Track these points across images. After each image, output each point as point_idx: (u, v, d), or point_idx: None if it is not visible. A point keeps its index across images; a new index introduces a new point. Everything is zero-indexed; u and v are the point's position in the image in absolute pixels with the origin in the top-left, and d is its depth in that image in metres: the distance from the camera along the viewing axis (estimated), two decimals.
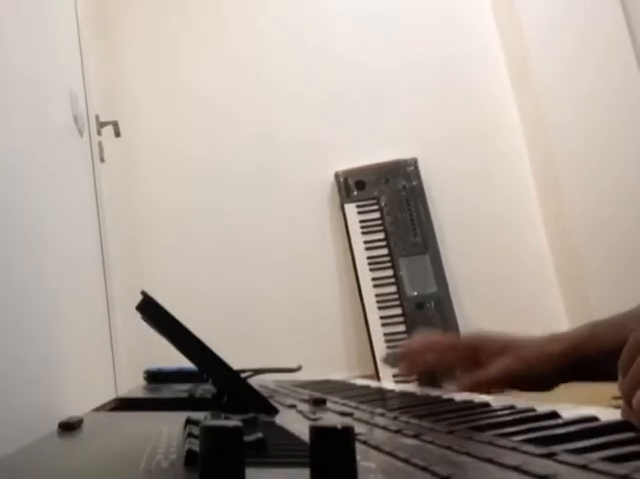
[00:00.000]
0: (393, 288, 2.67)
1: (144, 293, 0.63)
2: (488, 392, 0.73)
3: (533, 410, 0.47)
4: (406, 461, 0.33)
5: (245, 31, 3.08)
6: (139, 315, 0.63)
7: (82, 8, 2.24)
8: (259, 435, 0.36)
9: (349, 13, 3.08)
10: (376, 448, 0.38)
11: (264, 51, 3.05)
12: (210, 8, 3.11)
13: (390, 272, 2.70)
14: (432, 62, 2.99)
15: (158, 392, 0.90)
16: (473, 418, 0.47)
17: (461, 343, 0.80)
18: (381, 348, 2.57)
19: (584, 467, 0.29)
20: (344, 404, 0.62)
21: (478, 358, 0.76)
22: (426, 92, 2.98)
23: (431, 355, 0.80)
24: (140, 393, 0.93)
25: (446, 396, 0.65)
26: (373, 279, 2.69)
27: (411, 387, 0.81)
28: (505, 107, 2.96)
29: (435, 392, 0.71)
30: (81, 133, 1.89)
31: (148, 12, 3.11)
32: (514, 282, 2.74)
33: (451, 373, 0.80)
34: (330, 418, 0.54)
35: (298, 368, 1.10)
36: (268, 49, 3.05)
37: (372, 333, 2.61)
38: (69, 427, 0.47)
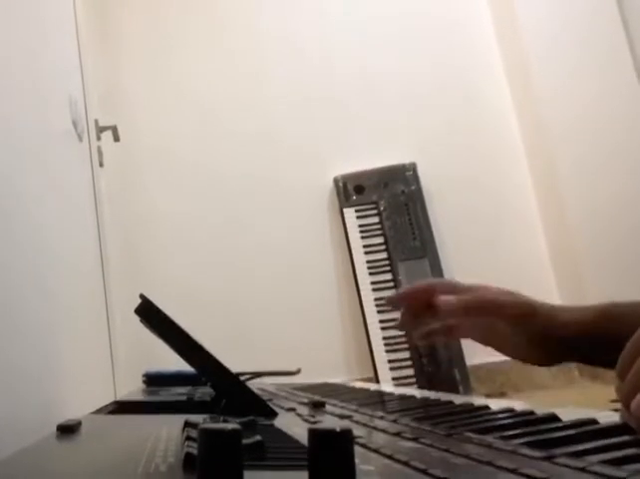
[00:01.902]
0: (392, 292, 2.67)
1: (142, 297, 0.63)
2: (471, 313, 0.70)
3: (532, 413, 0.47)
4: (405, 464, 0.33)
5: (245, 36, 3.09)
6: (137, 319, 0.63)
7: (81, 13, 2.25)
8: (258, 438, 0.36)
9: (348, 19, 3.08)
10: (375, 451, 0.38)
11: (264, 56, 3.06)
12: (210, 13, 3.11)
13: (389, 276, 2.70)
14: (431, 67, 3.00)
15: (156, 395, 0.90)
16: (472, 421, 0.47)
17: (462, 286, 0.76)
18: (380, 352, 2.57)
19: (583, 470, 0.29)
20: (343, 407, 0.62)
21: None
22: (425, 97, 2.99)
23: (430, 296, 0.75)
24: (138, 396, 0.93)
25: (445, 399, 0.65)
26: (372, 283, 2.69)
27: (410, 390, 0.81)
28: (504, 112, 2.97)
29: (434, 395, 0.71)
30: (80, 137, 1.89)
31: (147, 17, 3.12)
32: (513, 286, 2.73)
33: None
34: (329, 421, 0.54)
35: (297, 371, 1.10)
36: (268, 54, 3.06)
37: (371, 337, 2.61)
38: (67, 430, 0.47)
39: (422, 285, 0.77)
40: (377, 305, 2.65)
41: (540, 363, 0.70)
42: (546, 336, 0.68)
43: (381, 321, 2.62)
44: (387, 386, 0.85)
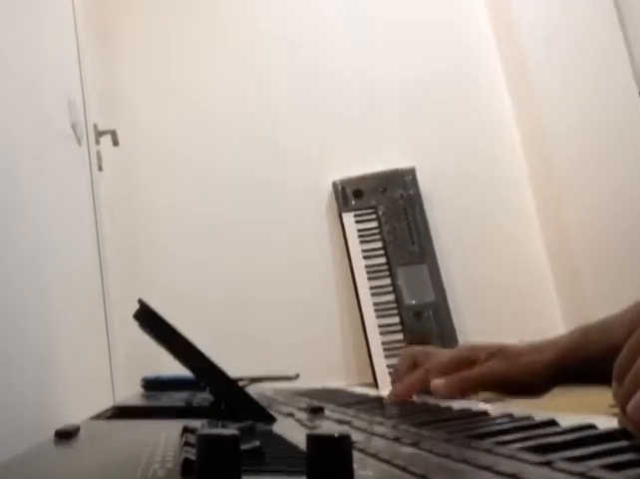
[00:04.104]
0: (391, 297, 2.67)
1: (141, 302, 0.63)
2: (474, 393, 0.73)
3: (531, 418, 0.47)
4: (404, 469, 0.33)
5: (244, 40, 3.09)
6: (136, 323, 0.63)
7: (80, 15, 2.25)
8: (256, 444, 0.36)
9: (347, 22, 3.09)
10: (374, 456, 0.38)
11: (263, 60, 3.06)
12: (209, 16, 3.12)
13: (388, 281, 2.70)
14: (430, 72, 3.00)
15: (155, 400, 0.90)
16: (471, 426, 0.47)
17: (452, 355, 0.79)
18: (379, 357, 2.57)
19: (582, 475, 0.29)
20: (342, 412, 0.62)
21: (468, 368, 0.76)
22: (423, 101, 2.99)
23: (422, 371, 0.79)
24: (137, 401, 0.93)
25: (444, 404, 0.65)
26: (371, 288, 2.69)
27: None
28: (503, 116, 2.97)
29: (433, 400, 0.71)
30: (79, 141, 1.89)
31: (146, 20, 3.12)
32: (513, 291, 2.74)
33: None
34: (328, 426, 0.54)
35: (296, 376, 1.10)
36: (267, 58, 3.06)
37: (370, 342, 2.60)
38: (65, 435, 0.47)
39: (405, 366, 0.81)
40: (376, 310, 2.65)
41: (528, 397, 0.75)
42: (531, 381, 0.72)
43: (380, 326, 2.62)
44: (386, 391, 0.85)
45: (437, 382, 0.73)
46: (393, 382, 0.83)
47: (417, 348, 0.85)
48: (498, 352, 0.75)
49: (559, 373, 0.70)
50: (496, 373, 0.73)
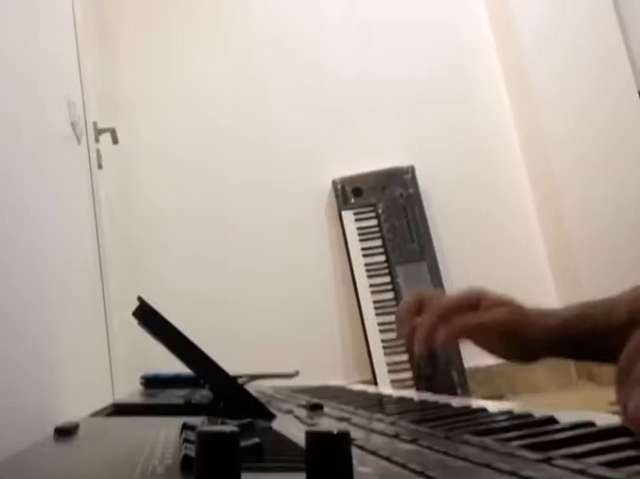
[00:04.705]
0: (390, 295, 2.67)
1: (140, 300, 0.63)
2: (476, 338, 0.70)
3: (531, 416, 0.47)
4: (403, 466, 0.33)
5: (243, 39, 3.09)
6: (135, 320, 0.63)
7: (79, 15, 2.25)
8: (256, 440, 0.36)
9: (347, 22, 3.09)
10: (373, 453, 0.38)
11: (262, 59, 3.06)
12: (208, 16, 3.11)
13: (387, 279, 2.70)
14: (429, 70, 3.00)
15: (154, 398, 0.90)
16: (470, 423, 0.47)
17: (460, 298, 0.76)
18: (378, 354, 2.57)
19: (581, 472, 0.29)
20: (341, 410, 0.62)
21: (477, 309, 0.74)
22: (423, 100, 2.99)
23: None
24: (136, 399, 0.93)
25: (443, 401, 0.65)
26: (370, 286, 2.69)
27: (408, 393, 0.81)
28: (502, 115, 2.97)
29: (432, 397, 0.71)
30: (78, 140, 1.89)
31: (145, 19, 3.12)
32: (512, 290, 2.72)
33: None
34: (327, 424, 0.54)
35: (295, 374, 1.10)
36: (266, 57, 3.06)
37: (369, 340, 2.61)
38: (65, 432, 0.47)
39: (412, 303, 0.78)
40: (375, 308, 2.65)
41: (521, 361, 0.72)
42: (530, 341, 0.69)
43: (379, 324, 2.62)
44: (385, 389, 0.85)
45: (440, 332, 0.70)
46: (398, 326, 0.79)
47: (421, 292, 0.79)
48: (504, 303, 0.73)
49: (557, 343, 0.68)
50: (498, 323, 0.70)
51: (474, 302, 0.73)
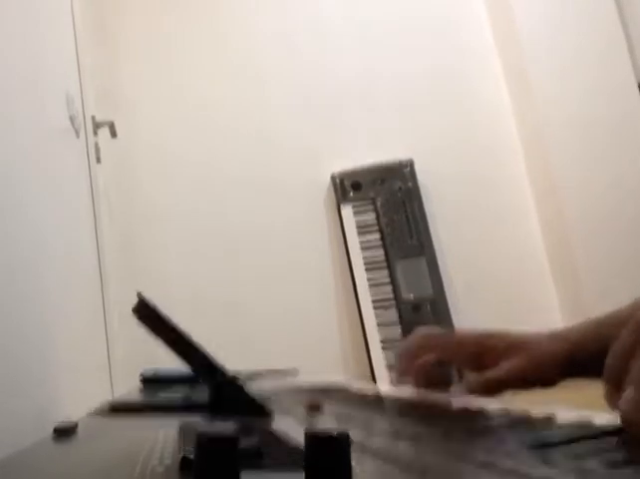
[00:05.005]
0: (389, 290, 2.67)
1: (139, 296, 0.62)
2: (497, 394, 0.71)
3: (529, 414, 0.47)
4: (402, 466, 0.33)
5: (243, 32, 3.08)
6: (135, 318, 0.63)
7: (78, 9, 2.24)
8: (254, 441, 0.36)
9: (346, 18, 3.08)
10: (372, 453, 0.38)
11: (261, 53, 3.05)
12: (208, 10, 3.10)
13: (385, 273, 2.70)
14: (428, 65, 3.00)
15: (154, 396, 0.90)
16: (469, 423, 0.47)
17: (468, 341, 0.76)
18: (377, 351, 2.57)
19: (580, 472, 0.29)
20: (340, 409, 0.62)
21: (482, 358, 0.74)
22: (422, 94, 2.98)
23: (433, 354, 0.76)
24: (135, 397, 0.93)
25: (442, 401, 0.65)
26: (369, 280, 2.69)
27: (408, 391, 0.81)
28: (501, 109, 2.97)
29: (431, 397, 0.71)
30: (77, 133, 1.88)
31: (145, 13, 3.11)
32: (511, 285, 2.75)
33: (449, 375, 0.78)
34: (326, 423, 0.54)
35: (294, 371, 1.10)
36: (265, 52, 3.05)
37: (368, 336, 2.61)
38: (64, 432, 0.47)
39: (419, 343, 0.78)
40: (374, 304, 2.65)
41: (542, 388, 0.73)
42: (546, 372, 0.71)
43: (378, 321, 2.62)
44: (384, 387, 0.85)
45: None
46: (401, 369, 0.79)
47: (426, 331, 0.79)
48: (517, 347, 0.73)
49: (569, 366, 0.69)
50: (522, 371, 0.71)
51: (480, 350, 0.73)
